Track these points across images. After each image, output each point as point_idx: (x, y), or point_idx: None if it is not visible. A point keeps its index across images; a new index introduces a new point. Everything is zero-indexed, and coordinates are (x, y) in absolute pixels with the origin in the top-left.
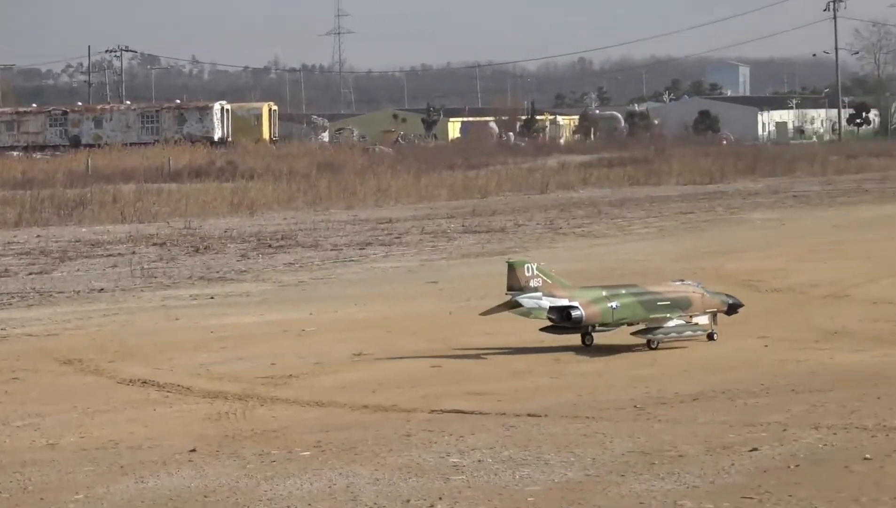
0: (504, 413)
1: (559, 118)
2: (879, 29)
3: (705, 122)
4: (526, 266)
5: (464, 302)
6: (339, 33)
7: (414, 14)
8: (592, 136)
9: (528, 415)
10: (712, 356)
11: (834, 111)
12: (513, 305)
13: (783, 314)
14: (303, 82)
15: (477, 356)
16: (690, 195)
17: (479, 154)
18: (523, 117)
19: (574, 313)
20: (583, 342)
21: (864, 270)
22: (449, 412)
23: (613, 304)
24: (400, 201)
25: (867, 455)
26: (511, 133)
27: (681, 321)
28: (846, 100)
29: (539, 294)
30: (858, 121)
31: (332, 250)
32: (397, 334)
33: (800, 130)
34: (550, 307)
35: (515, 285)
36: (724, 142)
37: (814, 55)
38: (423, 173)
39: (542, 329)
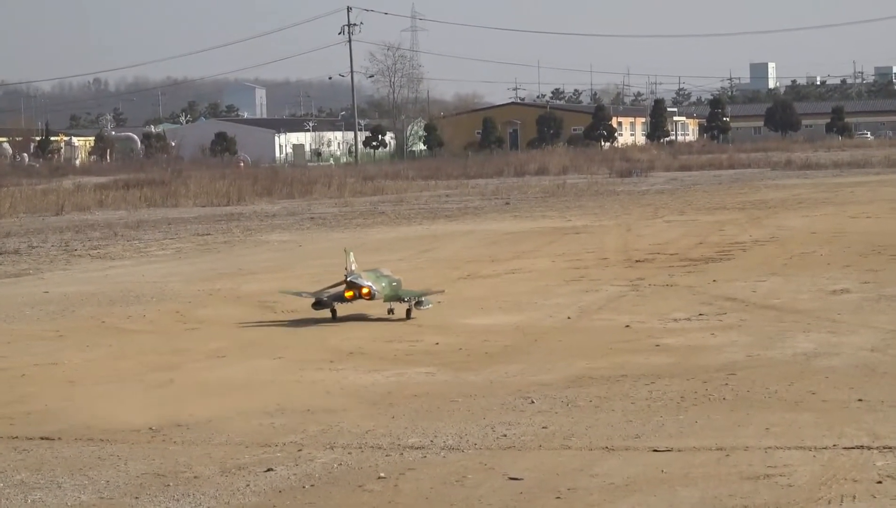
0: (16, 437)
1: (74, 139)
2: (393, 53)
3: (222, 144)
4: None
5: None
6: None
7: None
8: (109, 157)
9: (41, 438)
10: (229, 377)
11: (351, 134)
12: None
13: (298, 335)
14: None
15: None
16: (208, 217)
17: None
18: (38, 138)
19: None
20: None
21: None
22: None
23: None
24: None
25: (382, 474)
26: (25, 154)
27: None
28: (363, 123)
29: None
30: (375, 143)
31: None
32: None
33: (317, 153)
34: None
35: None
36: (242, 164)
37: (330, 78)
38: None
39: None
